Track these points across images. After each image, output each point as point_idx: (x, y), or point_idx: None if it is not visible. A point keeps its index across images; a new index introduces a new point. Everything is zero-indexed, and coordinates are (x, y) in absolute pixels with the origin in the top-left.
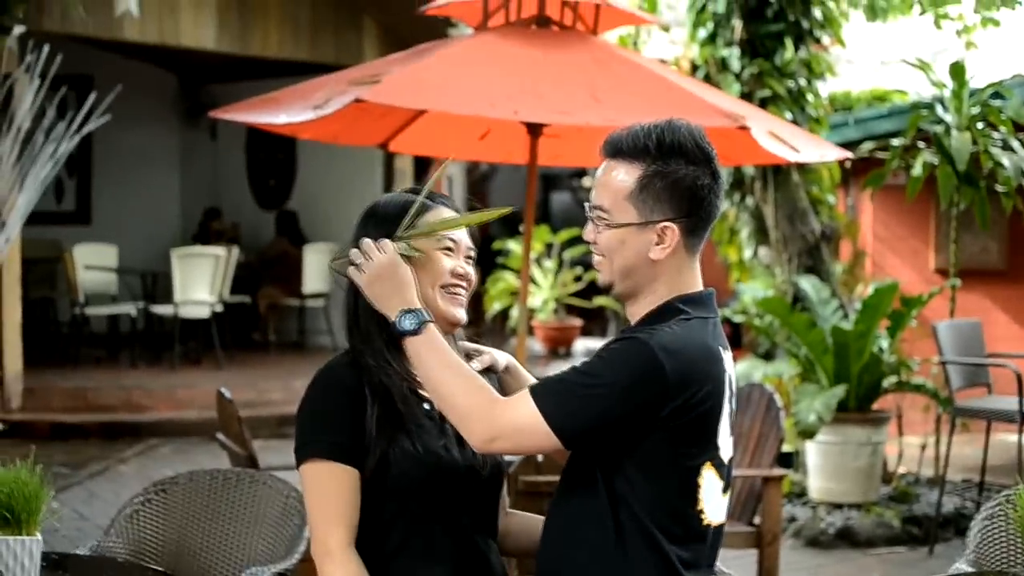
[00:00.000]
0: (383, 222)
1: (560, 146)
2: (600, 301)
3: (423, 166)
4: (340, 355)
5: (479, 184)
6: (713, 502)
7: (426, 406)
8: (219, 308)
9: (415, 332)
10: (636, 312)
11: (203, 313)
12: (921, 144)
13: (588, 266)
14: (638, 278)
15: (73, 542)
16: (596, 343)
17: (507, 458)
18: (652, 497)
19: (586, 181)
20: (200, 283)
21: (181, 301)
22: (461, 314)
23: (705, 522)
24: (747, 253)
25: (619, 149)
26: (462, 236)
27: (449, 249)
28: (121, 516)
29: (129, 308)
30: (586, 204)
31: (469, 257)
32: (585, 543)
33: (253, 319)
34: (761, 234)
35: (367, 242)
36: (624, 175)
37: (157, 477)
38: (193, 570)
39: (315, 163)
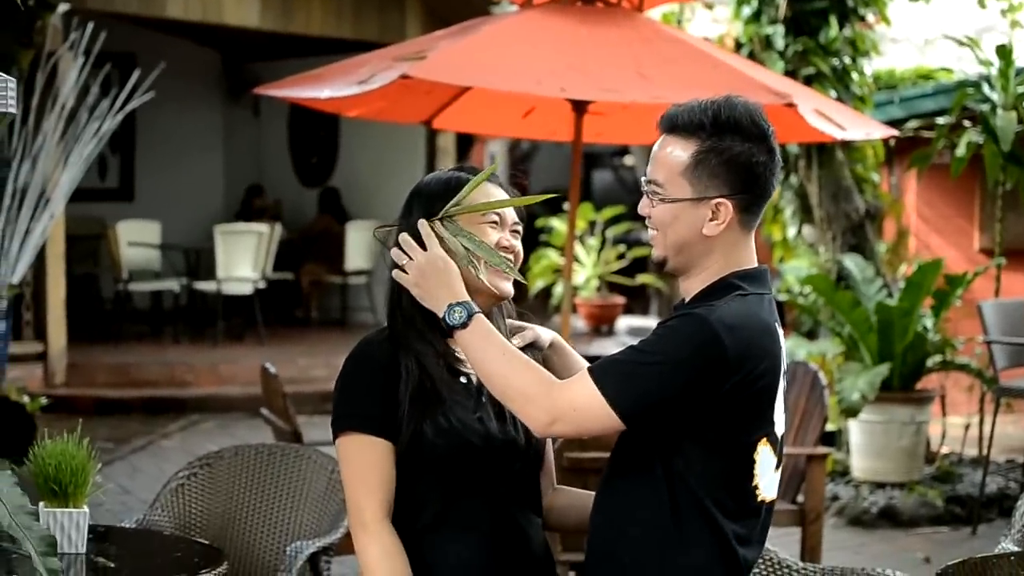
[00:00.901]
0: (428, 200)
1: (604, 124)
2: (643, 279)
3: (465, 144)
4: (376, 331)
5: (521, 162)
6: (767, 478)
7: (463, 380)
8: (262, 285)
9: (464, 325)
10: (691, 288)
11: (246, 290)
12: (967, 123)
13: (631, 244)
14: (691, 253)
15: (117, 516)
16: (639, 321)
17: None
18: (709, 473)
19: (627, 160)
20: (243, 260)
21: (224, 277)
22: (508, 287)
23: (759, 498)
24: (791, 231)
25: (675, 124)
26: (507, 210)
27: (494, 223)
28: (166, 490)
29: (172, 284)
30: (641, 178)
31: (515, 231)
32: (640, 520)
33: (295, 296)
34: (805, 213)
35: (406, 239)
36: (679, 150)
37: (200, 452)
38: (238, 544)
39: (357, 141)
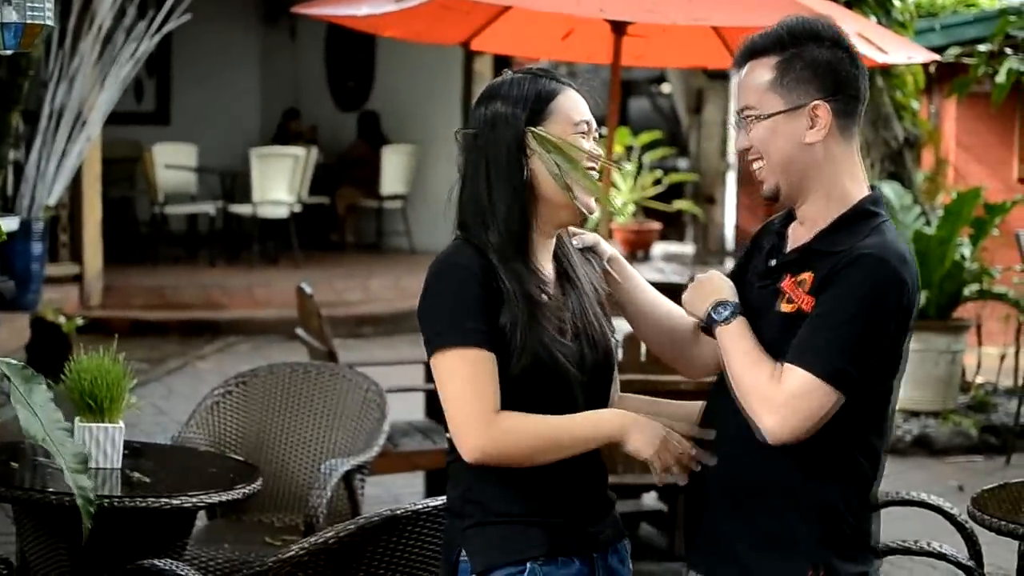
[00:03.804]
0: (514, 104)
1: (644, 46)
2: (679, 205)
3: (502, 68)
4: (459, 246)
5: None
6: None
7: (544, 298)
8: (297, 208)
9: (727, 321)
10: (817, 213)
11: (281, 213)
12: (1008, 51)
13: (667, 170)
14: (799, 168)
15: (152, 436)
16: (674, 247)
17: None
18: (876, 401)
19: (665, 87)
20: (279, 183)
21: (260, 201)
22: (594, 204)
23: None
24: None
25: (754, 49)
26: (590, 116)
27: (584, 132)
28: (202, 407)
29: (208, 207)
30: (730, 119)
31: (595, 137)
32: (774, 454)
33: (331, 220)
34: None
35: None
36: (763, 69)
37: (235, 373)
38: (272, 461)
39: (394, 65)
